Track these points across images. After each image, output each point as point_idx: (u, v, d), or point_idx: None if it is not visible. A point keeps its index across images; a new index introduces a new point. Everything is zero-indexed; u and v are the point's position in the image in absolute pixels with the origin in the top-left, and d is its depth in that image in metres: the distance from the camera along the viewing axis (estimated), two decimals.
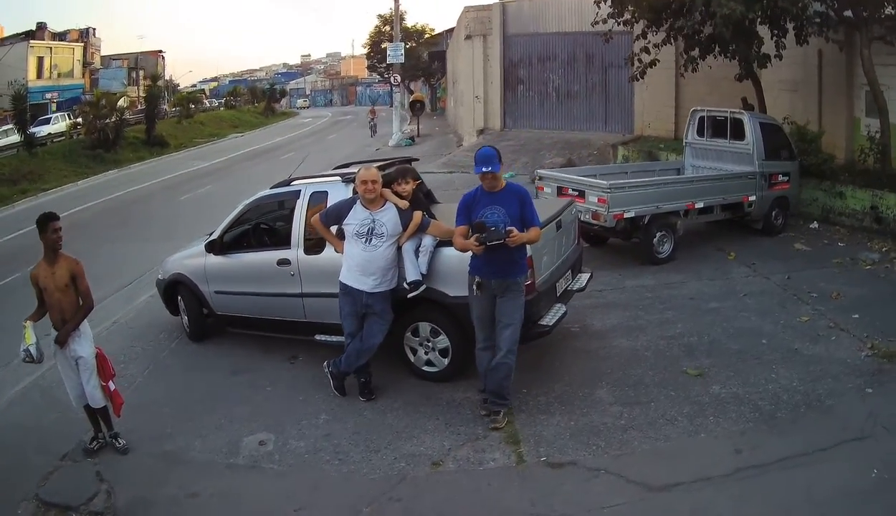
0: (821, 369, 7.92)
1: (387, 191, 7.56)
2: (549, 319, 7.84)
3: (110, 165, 37.92)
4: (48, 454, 7.16)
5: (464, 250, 6.77)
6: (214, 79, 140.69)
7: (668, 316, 9.87)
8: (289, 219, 8.81)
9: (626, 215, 11.93)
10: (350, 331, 7.59)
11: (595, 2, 15.95)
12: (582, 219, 12.12)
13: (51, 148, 39.97)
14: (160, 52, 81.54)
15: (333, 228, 7.63)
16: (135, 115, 49.34)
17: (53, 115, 48.80)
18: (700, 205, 12.77)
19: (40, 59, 60.42)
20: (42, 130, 44.08)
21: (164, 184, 30.39)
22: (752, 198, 13.25)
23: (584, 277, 9.39)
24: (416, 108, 40.84)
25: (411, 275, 7.52)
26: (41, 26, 64.81)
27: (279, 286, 8.68)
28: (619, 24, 15.82)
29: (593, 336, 9.38)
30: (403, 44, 37.55)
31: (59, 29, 69.07)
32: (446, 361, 7.89)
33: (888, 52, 14.60)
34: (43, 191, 31.51)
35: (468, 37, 29.25)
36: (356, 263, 7.39)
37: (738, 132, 13.74)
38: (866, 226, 13.91)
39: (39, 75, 59.50)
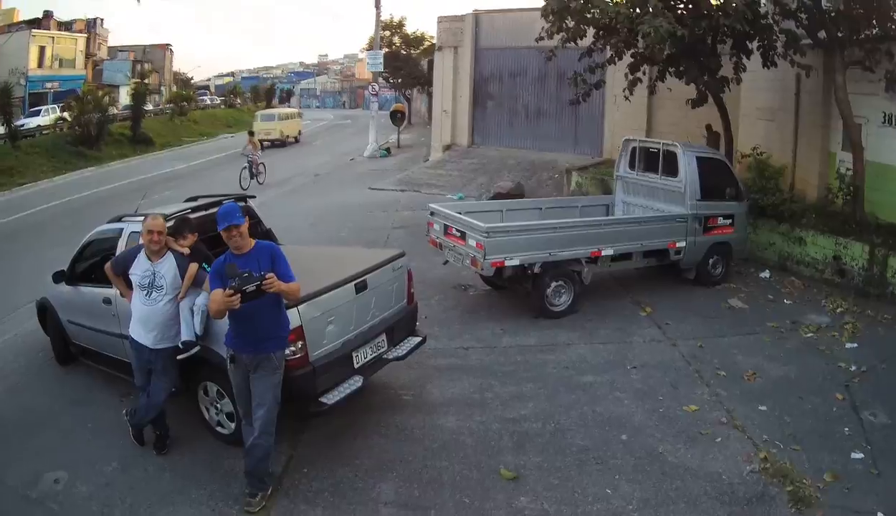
0: (677, 487, 6.00)
1: (170, 240, 6.97)
2: (332, 397, 6.73)
3: (91, 162, 37.10)
4: None
5: (220, 313, 5.88)
6: (230, 74, 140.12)
7: (525, 390, 7.90)
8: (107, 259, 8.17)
9: (509, 263, 9.95)
10: (139, 384, 7.13)
11: (542, 15, 13.99)
12: (462, 264, 10.53)
13: (37, 141, 39.31)
14: (167, 45, 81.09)
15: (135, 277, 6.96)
16: (123, 111, 47.83)
17: (44, 108, 47.85)
18: (609, 252, 10.71)
19: (42, 49, 59.86)
20: (31, 122, 43.25)
21: (133, 186, 28.65)
22: (681, 244, 11.17)
23: (412, 342, 7.85)
24: (396, 118, 38.92)
25: (184, 334, 6.87)
26: (47, 14, 64.55)
27: (106, 324, 8.28)
28: (564, 40, 13.84)
29: (421, 409, 7.63)
30: (382, 52, 36.15)
31: (67, 18, 68.58)
32: (233, 425, 7.12)
33: (868, 79, 12.47)
34: (18, 186, 30.81)
35: (439, 48, 27.53)
36: (138, 316, 6.87)
37: (671, 167, 11.67)
38: (827, 279, 11.90)
39: (41, 65, 59.01)
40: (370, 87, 37.16)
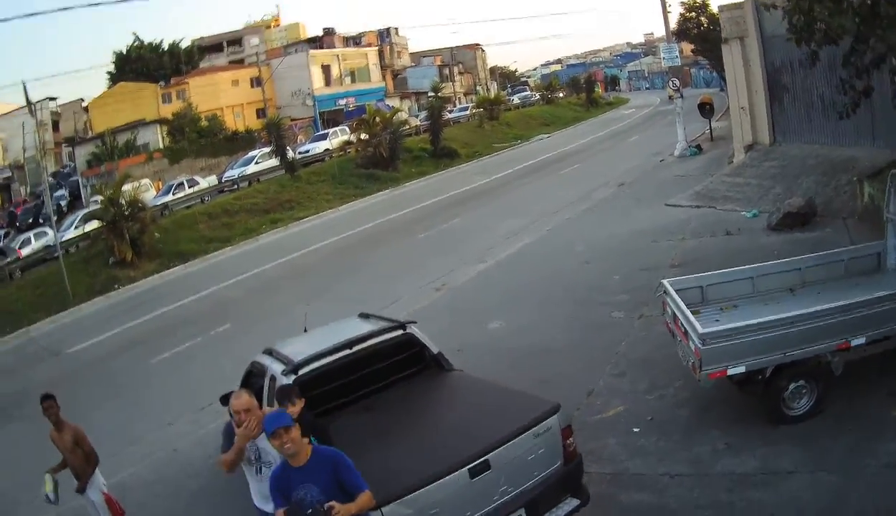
0: None
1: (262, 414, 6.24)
2: None
3: (385, 184, 36.72)
4: None
5: None
6: (558, 61, 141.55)
7: None
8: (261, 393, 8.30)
9: (732, 371, 8.35)
10: None
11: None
12: (686, 364, 9.10)
13: (321, 168, 39.20)
14: (477, 45, 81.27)
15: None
16: (424, 123, 47.81)
17: (331, 131, 47.77)
18: (860, 341, 8.41)
19: (326, 67, 60.91)
20: (317, 147, 43.55)
21: (421, 211, 28.76)
22: None
23: (563, 509, 6.80)
24: (704, 110, 36.39)
25: None
26: (328, 32, 66.37)
27: None
28: (813, 48, 12.27)
29: None
30: (676, 45, 35.57)
31: (353, 32, 70.55)
32: None
33: None
34: (295, 221, 30.59)
35: (725, 40, 25.38)
36: (254, 490, 6.54)
37: None
38: None
39: (328, 83, 60.38)
40: (671, 83, 35.40)
